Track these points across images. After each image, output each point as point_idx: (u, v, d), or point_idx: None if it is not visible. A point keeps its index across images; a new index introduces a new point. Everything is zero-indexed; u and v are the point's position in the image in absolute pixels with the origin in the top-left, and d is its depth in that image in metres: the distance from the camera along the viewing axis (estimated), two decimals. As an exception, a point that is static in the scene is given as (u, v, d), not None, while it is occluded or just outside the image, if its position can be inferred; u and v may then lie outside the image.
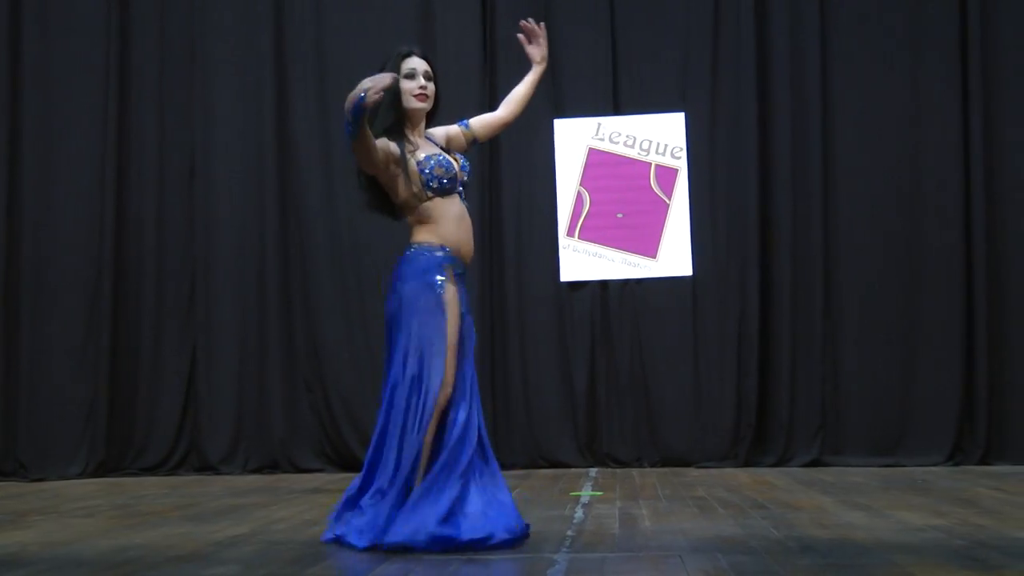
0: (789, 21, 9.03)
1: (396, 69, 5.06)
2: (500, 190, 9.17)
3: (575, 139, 9.10)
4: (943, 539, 4.90)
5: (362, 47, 9.03)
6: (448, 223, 5.03)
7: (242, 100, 9.35)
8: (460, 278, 5.06)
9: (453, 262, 5.03)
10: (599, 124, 9.11)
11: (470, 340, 5.10)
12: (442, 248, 5.01)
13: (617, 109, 9.16)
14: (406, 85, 5.07)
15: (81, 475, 8.85)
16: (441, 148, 5.19)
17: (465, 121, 5.37)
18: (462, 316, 5.03)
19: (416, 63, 5.09)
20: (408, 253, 5.04)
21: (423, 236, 5.04)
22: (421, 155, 5.03)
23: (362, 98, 4.61)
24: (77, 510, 6.72)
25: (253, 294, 9.20)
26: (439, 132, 5.28)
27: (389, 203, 5.15)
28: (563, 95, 9.21)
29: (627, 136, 9.08)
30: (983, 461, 8.57)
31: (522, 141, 9.15)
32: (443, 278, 4.96)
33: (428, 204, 5.04)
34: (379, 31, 9.09)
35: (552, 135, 9.12)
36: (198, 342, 9.21)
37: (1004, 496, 6.55)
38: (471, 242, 5.13)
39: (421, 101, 5.08)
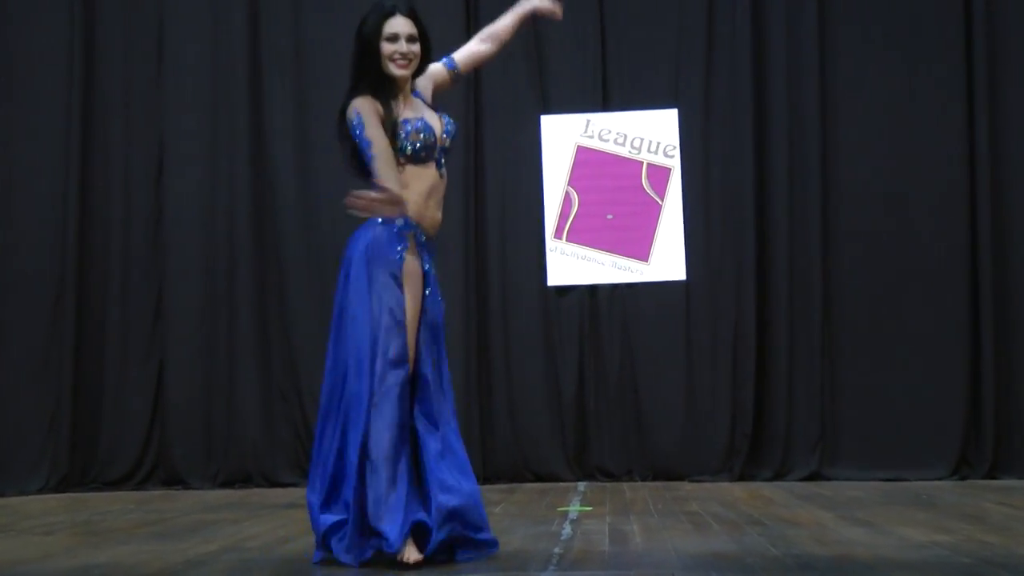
0: (786, 12, 9.03)
1: (377, 30, 5.01)
2: (484, 190, 9.17)
3: (563, 136, 9.11)
4: (948, 557, 4.92)
5: (340, 37, 8.99)
6: (414, 195, 4.97)
7: (213, 93, 9.33)
8: (423, 247, 5.04)
9: (414, 230, 4.99)
10: (588, 121, 9.12)
11: (434, 320, 5.06)
12: (401, 216, 4.93)
13: (607, 105, 9.16)
14: (386, 48, 5.01)
15: (42, 490, 8.80)
16: (428, 106, 5.17)
17: (451, 60, 5.34)
18: (425, 294, 5.02)
19: (399, 25, 5.02)
20: (363, 225, 4.99)
21: None
22: (400, 119, 5.00)
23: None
24: (37, 527, 6.71)
25: (225, 298, 9.17)
26: (425, 83, 5.23)
27: (366, 167, 5.06)
28: (550, 90, 9.21)
29: (617, 133, 9.09)
30: (990, 475, 8.59)
31: (507, 138, 9.17)
32: (402, 247, 4.94)
33: (400, 171, 4.98)
34: (358, 18, 9.03)
35: (539, 132, 9.12)
36: (166, 349, 9.19)
37: (1012, 511, 6.57)
38: (438, 216, 5.10)
39: (402, 68, 5.03)
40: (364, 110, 4.96)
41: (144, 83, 9.35)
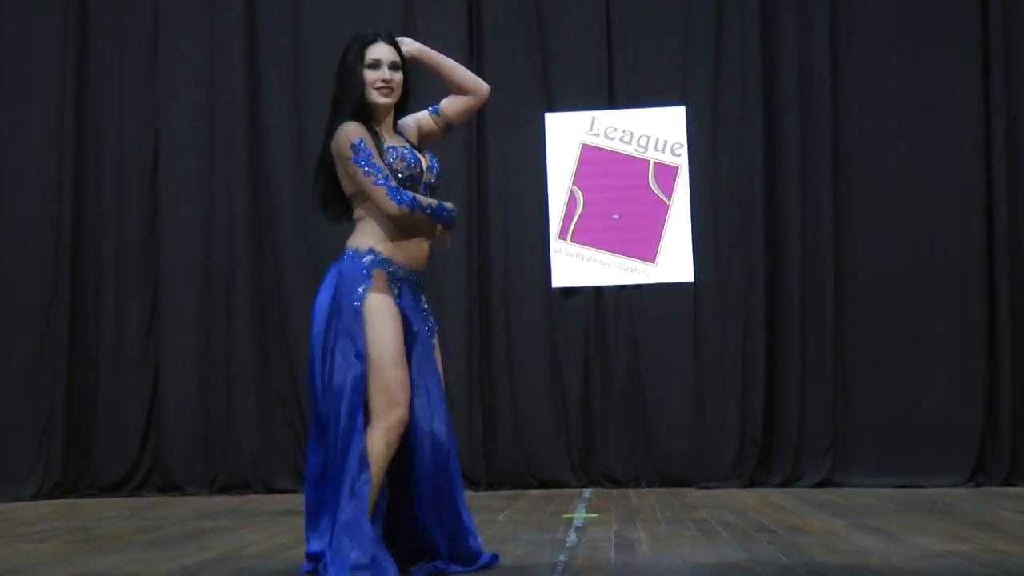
0: (797, 7, 9.02)
1: (359, 57, 4.96)
2: (486, 189, 9.15)
3: (567, 134, 9.10)
4: (964, 566, 4.91)
5: (338, 36, 8.97)
6: (390, 227, 4.87)
7: (209, 92, 9.32)
8: (404, 282, 4.90)
9: (386, 266, 4.85)
10: (593, 118, 9.11)
11: (421, 353, 4.94)
12: (370, 252, 4.85)
13: (613, 102, 9.15)
14: (368, 76, 4.94)
15: (35, 497, 8.80)
16: (411, 144, 5.09)
17: (435, 107, 5.25)
18: (409, 325, 4.89)
19: (381, 51, 4.96)
20: (334, 265, 4.91)
21: (356, 240, 4.91)
22: (386, 146, 4.93)
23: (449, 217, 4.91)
24: (31, 534, 6.72)
25: (222, 301, 9.16)
26: (410, 123, 5.19)
27: (341, 200, 5.04)
28: (554, 87, 9.20)
29: (624, 131, 9.08)
30: (1007, 482, 8.57)
31: (510, 137, 9.16)
32: (365, 287, 4.80)
33: None
34: (358, 16, 9.04)
35: (543, 130, 9.11)
36: (162, 353, 9.18)
37: (1029, 519, 6.57)
38: (421, 249, 4.96)
39: (384, 96, 4.96)
40: (366, 137, 4.87)
41: (139, 81, 9.35)
